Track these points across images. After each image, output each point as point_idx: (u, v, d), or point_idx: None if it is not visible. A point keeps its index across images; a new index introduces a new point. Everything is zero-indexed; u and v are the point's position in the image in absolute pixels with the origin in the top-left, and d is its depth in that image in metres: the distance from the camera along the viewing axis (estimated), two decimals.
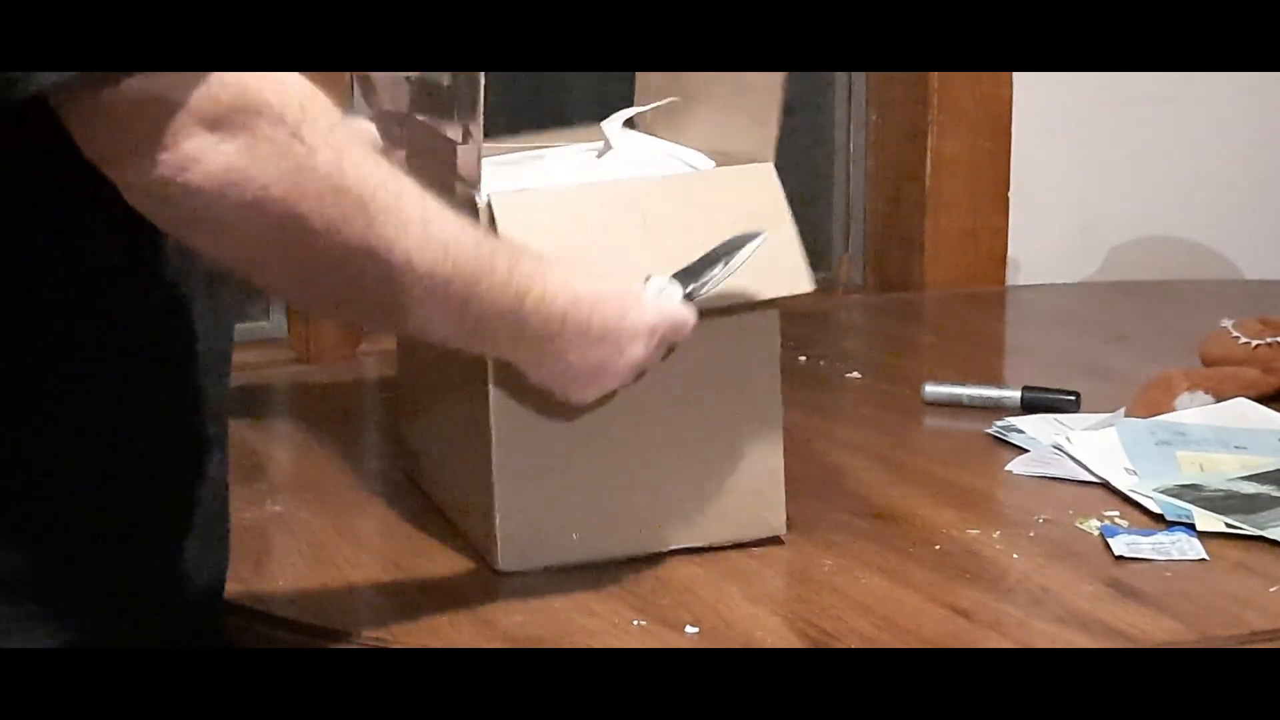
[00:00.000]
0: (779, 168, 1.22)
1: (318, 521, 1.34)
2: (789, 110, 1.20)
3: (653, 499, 1.22)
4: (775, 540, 1.26)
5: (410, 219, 0.95)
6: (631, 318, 1.08)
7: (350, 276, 0.94)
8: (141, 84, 0.84)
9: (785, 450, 1.26)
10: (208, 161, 0.86)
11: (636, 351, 1.09)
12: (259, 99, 0.87)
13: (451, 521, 1.31)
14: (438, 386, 1.33)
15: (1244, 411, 1.55)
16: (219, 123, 0.86)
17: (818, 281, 1.23)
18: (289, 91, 0.89)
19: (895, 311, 2.12)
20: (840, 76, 2.21)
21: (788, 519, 1.27)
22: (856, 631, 1.12)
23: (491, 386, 1.18)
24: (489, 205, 1.14)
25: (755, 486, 1.25)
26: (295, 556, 1.29)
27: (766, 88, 1.21)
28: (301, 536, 1.32)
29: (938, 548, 1.26)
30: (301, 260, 0.93)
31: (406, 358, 1.45)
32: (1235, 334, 1.70)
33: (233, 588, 1.19)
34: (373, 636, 1.13)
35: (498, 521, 1.20)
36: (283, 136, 0.88)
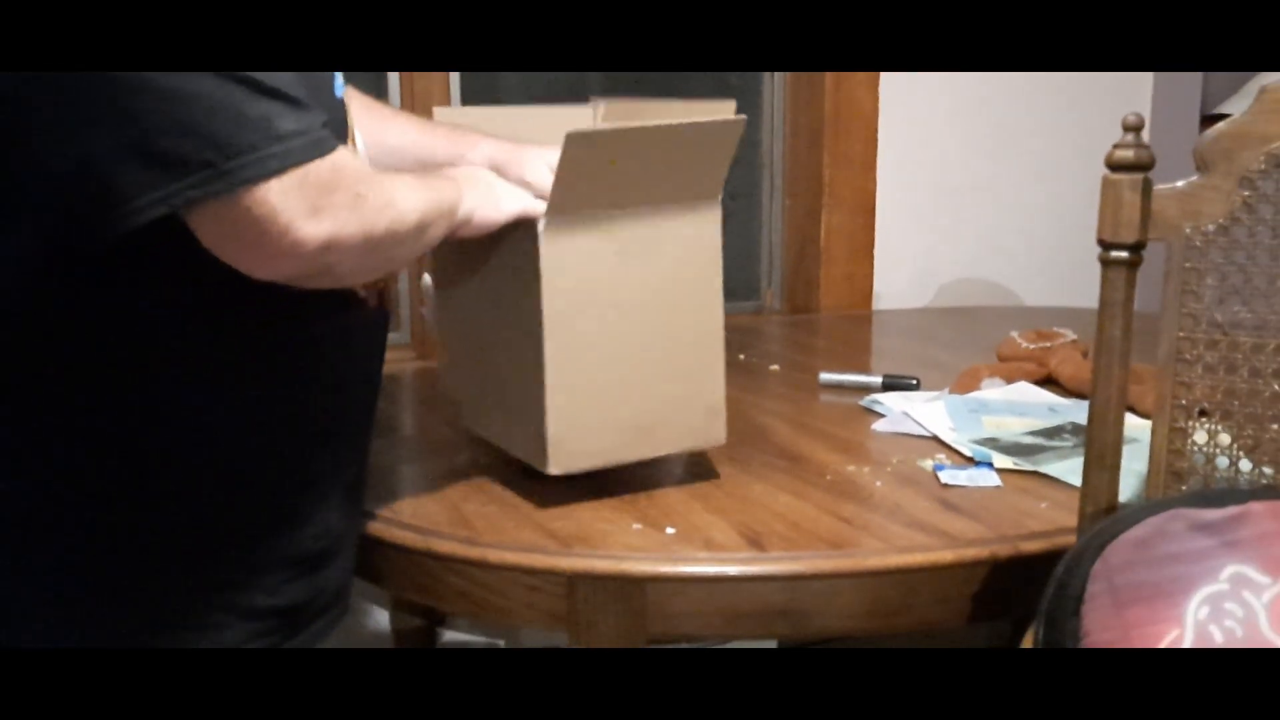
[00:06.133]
0: (727, 233, 1.17)
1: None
2: (733, 195, 1.17)
3: (649, 416, 1.14)
4: (715, 474, 1.24)
5: (405, 196, 0.92)
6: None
7: (396, 244, 0.91)
8: (255, 200, 0.78)
9: (731, 415, 1.23)
10: (310, 244, 0.82)
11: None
12: (332, 179, 0.82)
13: (497, 449, 1.19)
14: (483, 343, 1.18)
15: (1025, 391, 1.56)
16: (313, 212, 0.81)
17: (751, 308, 1.19)
18: (344, 162, 0.84)
19: (801, 326, 2.09)
20: (765, 174, 2.20)
21: (731, 459, 1.26)
22: (777, 533, 1.11)
23: (546, 336, 1.07)
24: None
25: (708, 408, 1.17)
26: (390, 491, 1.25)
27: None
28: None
29: (828, 478, 1.26)
30: (372, 257, 0.90)
31: (445, 331, 1.27)
32: (1019, 340, 1.71)
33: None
34: (463, 534, 1.10)
35: (549, 434, 1.09)
36: (349, 198, 0.84)
